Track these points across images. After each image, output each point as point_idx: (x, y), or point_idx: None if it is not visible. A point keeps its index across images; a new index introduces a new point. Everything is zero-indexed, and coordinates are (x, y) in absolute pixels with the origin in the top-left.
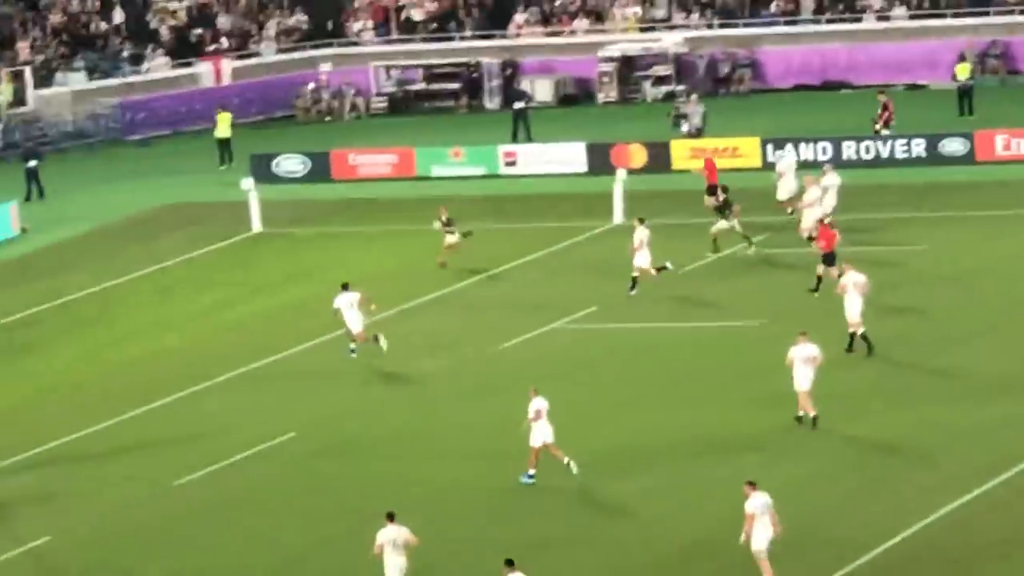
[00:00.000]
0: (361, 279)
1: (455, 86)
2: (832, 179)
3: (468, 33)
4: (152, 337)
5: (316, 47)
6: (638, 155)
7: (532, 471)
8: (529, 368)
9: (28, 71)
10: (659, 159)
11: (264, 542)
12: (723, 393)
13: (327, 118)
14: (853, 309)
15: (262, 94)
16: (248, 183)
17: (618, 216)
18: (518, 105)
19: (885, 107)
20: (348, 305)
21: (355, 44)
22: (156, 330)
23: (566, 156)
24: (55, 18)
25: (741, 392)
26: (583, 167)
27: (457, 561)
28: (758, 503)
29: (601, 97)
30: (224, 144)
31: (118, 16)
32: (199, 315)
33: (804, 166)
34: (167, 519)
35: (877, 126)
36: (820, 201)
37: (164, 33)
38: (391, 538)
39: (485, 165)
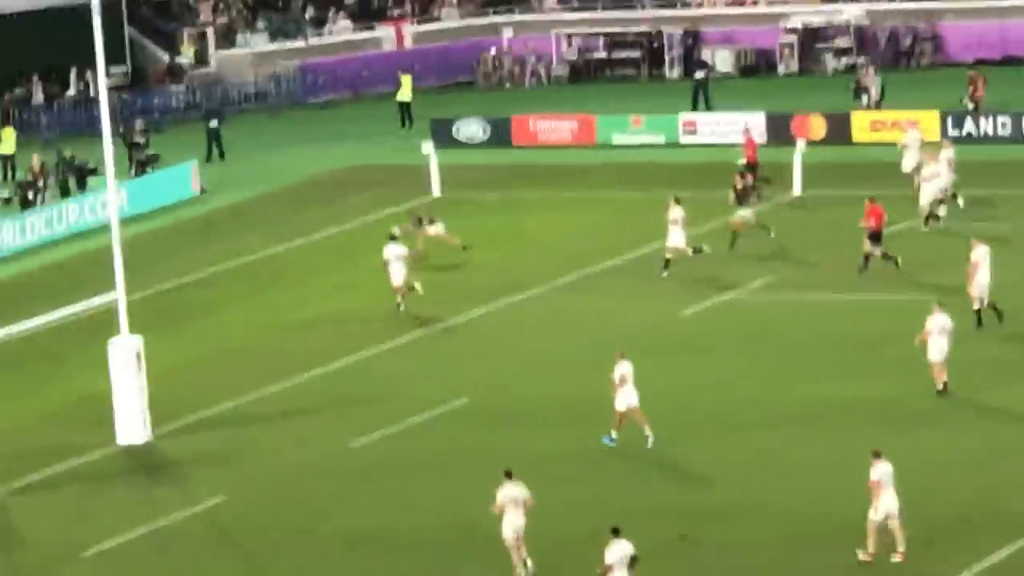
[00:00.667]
0: (540, 245)
1: (636, 55)
2: (949, 154)
3: (650, 2)
4: (329, 299)
5: (498, 13)
6: (818, 126)
7: (614, 434)
8: (709, 336)
9: (210, 32)
10: (839, 131)
11: (436, 506)
12: (894, 367)
13: (507, 84)
14: (984, 281)
15: (443, 59)
16: (428, 147)
17: (797, 187)
18: (699, 75)
19: (973, 83)
20: (396, 257)
21: (537, 11)
22: (334, 292)
23: (746, 126)
24: None
25: (912, 366)
26: (762, 137)
27: (631, 528)
28: (882, 471)
29: (782, 68)
30: (405, 108)
31: None
32: (377, 278)
33: (985, 140)
34: (341, 481)
35: (964, 100)
36: (940, 175)
37: None
38: (512, 496)
39: (665, 134)
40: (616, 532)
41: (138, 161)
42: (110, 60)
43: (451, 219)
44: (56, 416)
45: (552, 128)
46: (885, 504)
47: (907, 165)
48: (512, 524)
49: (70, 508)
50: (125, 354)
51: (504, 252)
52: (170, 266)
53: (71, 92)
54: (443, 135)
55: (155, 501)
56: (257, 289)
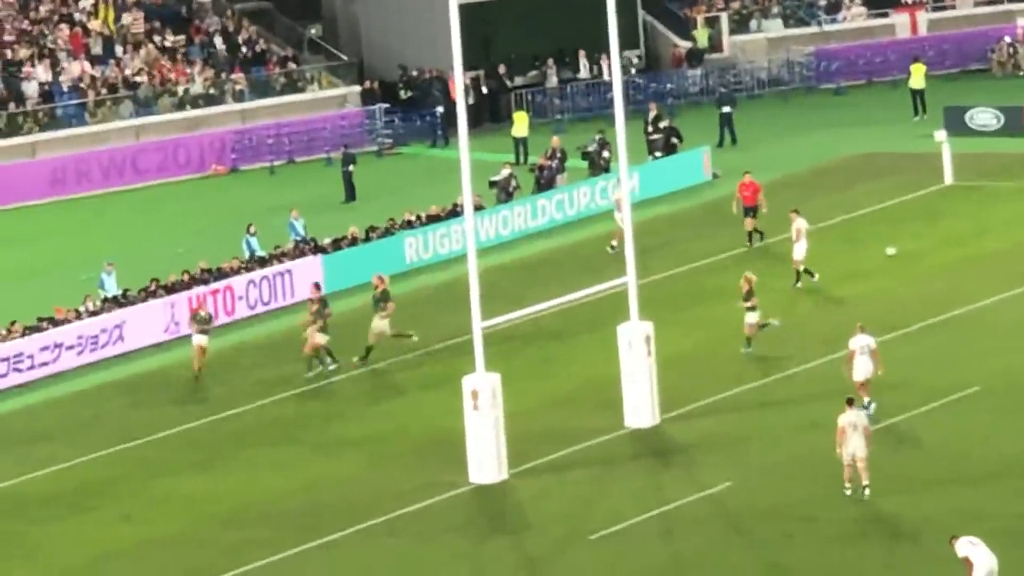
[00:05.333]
0: None
1: None
2: None
3: None
4: (840, 285)
5: (1013, 1)
6: None
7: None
8: None
9: (724, 17)
10: None
11: (953, 494)
12: None
13: (1021, 72)
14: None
15: (957, 46)
16: (941, 135)
17: None
18: None
19: None
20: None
21: None
22: (843, 278)
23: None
24: None
25: None
26: None
27: None
28: None
29: None
30: (918, 95)
31: None
32: (886, 265)
33: None
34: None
35: None
36: None
37: None
38: (851, 422)
39: None
40: None
41: (649, 143)
42: (624, 44)
43: (962, 206)
44: (564, 399)
45: None
46: None
47: None
48: (849, 448)
49: (578, 491)
50: (635, 339)
51: (1013, 242)
52: (681, 251)
53: (583, 75)
54: (956, 123)
55: (662, 485)
56: (768, 275)
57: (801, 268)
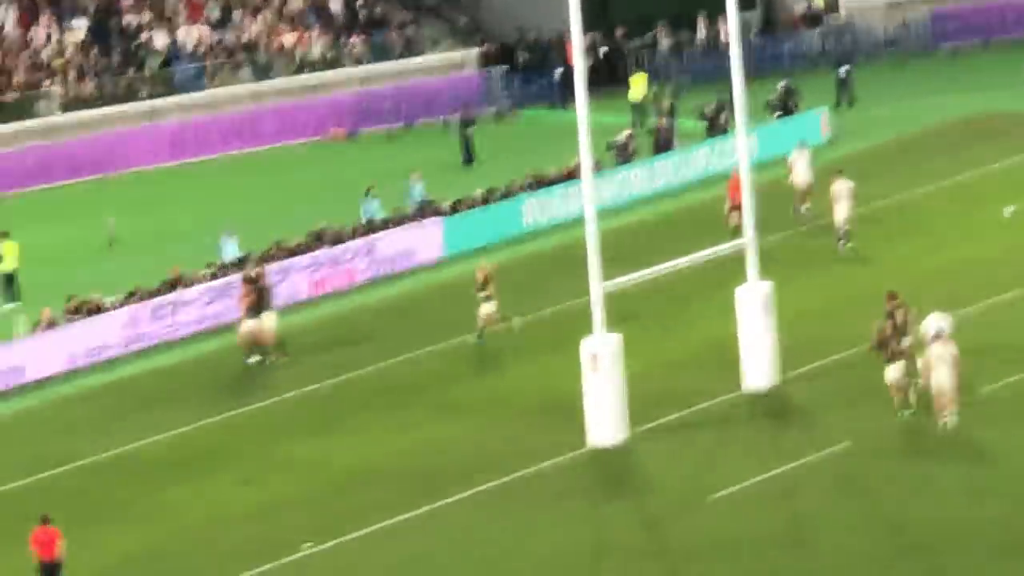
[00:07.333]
0: None
1: None
2: None
3: None
4: (958, 246)
5: None
6: None
7: None
8: None
9: None
10: None
11: None
12: None
13: None
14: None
15: None
16: None
17: None
18: None
19: None
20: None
21: None
22: (961, 239)
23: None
24: None
25: None
26: None
27: None
28: None
29: None
30: None
31: None
32: (1004, 225)
33: None
34: (968, 429)
35: None
36: None
37: None
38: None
39: None
40: None
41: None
42: (741, 6)
43: None
44: (684, 361)
45: None
46: None
47: None
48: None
49: (696, 453)
50: (754, 300)
51: None
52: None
53: (700, 38)
54: None
55: (781, 446)
56: (885, 236)
57: (843, 229)
